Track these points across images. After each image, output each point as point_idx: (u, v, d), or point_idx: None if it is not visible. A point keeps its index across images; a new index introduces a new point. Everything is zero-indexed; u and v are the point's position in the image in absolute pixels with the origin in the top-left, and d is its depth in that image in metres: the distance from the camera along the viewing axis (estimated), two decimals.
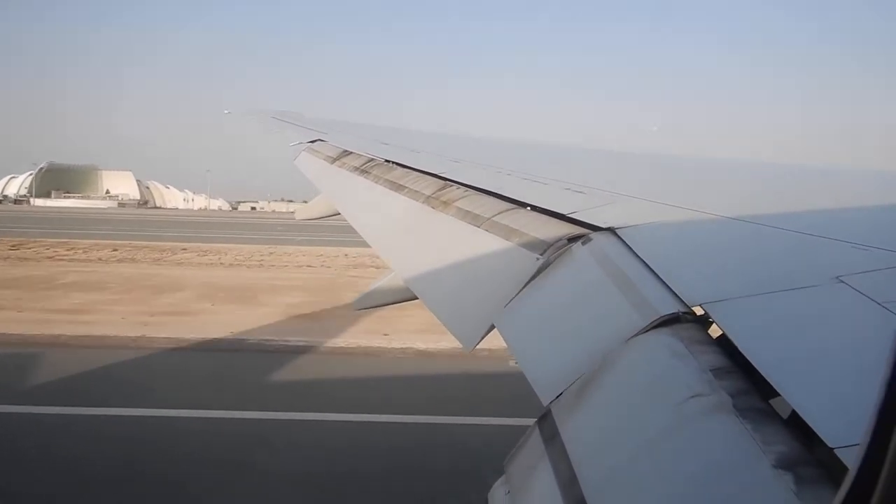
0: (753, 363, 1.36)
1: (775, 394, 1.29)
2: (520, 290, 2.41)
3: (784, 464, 1.10)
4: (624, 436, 1.48)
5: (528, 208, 3.12)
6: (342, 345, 16.53)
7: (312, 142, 7.72)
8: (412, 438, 10.72)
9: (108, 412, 11.18)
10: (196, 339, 16.46)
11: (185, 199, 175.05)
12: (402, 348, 16.29)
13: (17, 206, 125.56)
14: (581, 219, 2.66)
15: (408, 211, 4.17)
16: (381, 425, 11.13)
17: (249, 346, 16.16)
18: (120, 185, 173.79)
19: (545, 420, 1.70)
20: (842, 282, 1.63)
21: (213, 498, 8.50)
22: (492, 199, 3.48)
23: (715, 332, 1.62)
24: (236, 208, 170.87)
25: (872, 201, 3.05)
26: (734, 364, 1.43)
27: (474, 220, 3.32)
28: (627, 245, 2.25)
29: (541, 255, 2.53)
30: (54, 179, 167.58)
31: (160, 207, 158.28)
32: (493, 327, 2.37)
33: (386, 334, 17.31)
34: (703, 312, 1.69)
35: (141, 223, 65.61)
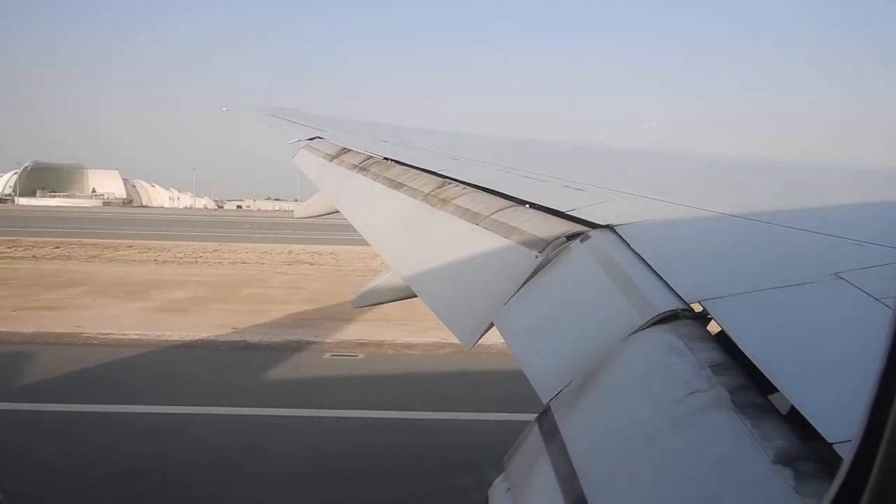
0: (752, 359, 1.37)
1: (774, 389, 1.30)
2: (519, 288, 2.41)
3: (783, 459, 1.11)
4: (623, 432, 1.49)
5: (527, 206, 3.13)
6: (138, 337, 16.99)
7: (311, 139, 7.71)
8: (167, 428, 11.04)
9: None
10: (30, 332, 16.89)
11: (170, 198, 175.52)
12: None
13: None
14: (580, 216, 2.67)
15: (407, 209, 4.17)
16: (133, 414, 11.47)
17: (66, 339, 16.63)
18: (106, 184, 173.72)
19: (545, 417, 1.71)
20: (840, 278, 1.64)
21: None
22: (490, 196, 3.49)
23: (714, 328, 1.63)
24: (222, 207, 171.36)
25: (870, 198, 3.05)
26: (733, 360, 1.43)
27: (473, 217, 3.32)
28: (626, 242, 2.25)
29: (540, 252, 2.53)
30: (40, 178, 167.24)
31: (145, 206, 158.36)
32: (492, 325, 2.37)
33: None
34: (701, 309, 1.70)
35: (112, 221, 65.78)
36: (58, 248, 37.15)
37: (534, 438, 1.69)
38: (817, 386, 1.28)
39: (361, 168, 5.71)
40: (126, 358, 14.98)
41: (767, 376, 1.30)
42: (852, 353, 1.37)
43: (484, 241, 3.01)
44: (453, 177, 4.14)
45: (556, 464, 1.51)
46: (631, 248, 2.19)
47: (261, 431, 10.74)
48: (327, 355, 15.66)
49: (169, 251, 37.67)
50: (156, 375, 13.84)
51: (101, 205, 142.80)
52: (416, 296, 3.47)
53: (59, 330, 17.11)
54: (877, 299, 1.50)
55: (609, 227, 2.43)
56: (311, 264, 34.38)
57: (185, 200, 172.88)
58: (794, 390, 1.25)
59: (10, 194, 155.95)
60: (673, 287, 1.80)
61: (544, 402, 1.75)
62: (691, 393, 1.36)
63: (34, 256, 33.44)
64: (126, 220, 70.61)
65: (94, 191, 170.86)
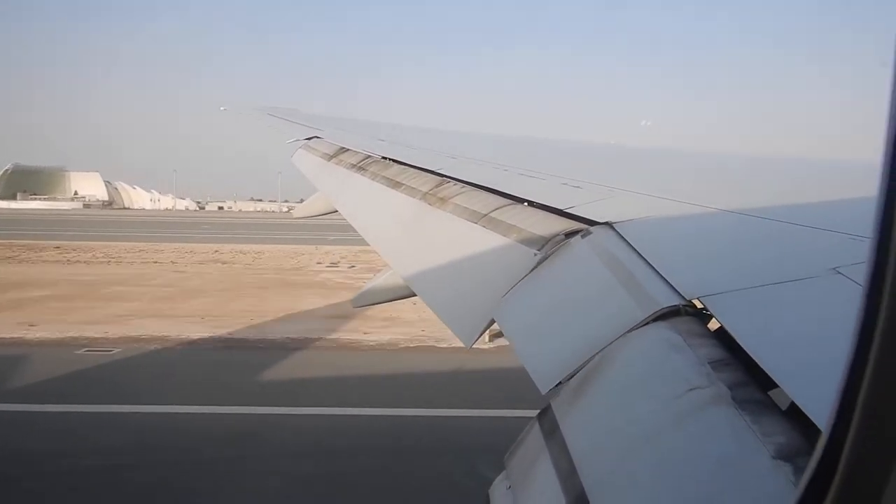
0: (752, 355, 1.37)
1: (774, 385, 1.30)
2: (518, 283, 2.42)
3: (783, 454, 1.11)
4: (623, 429, 1.49)
5: (525, 204, 3.13)
6: None
7: (309, 139, 7.71)
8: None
9: None
10: None
11: (151, 200, 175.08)
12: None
13: None
14: (578, 213, 2.67)
15: (405, 208, 4.17)
16: None
17: None
18: (88, 186, 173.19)
19: (545, 415, 1.71)
20: (839, 273, 1.64)
21: None
22: (489, 194, 3.49)
23: (713, 324, 1.63)
24: (203, 208, 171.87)
25: (868, 193, 3.05)
26: (732, 356, 1.43)
27: (471, 216, 3.32)
28: (625, 239, 2.25)
29: (539, 250, 2.53)
30: (20, 181, 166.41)
31: (126, 208, 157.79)
32: (492, 322, 2.37)
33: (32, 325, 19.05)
34: (700, 305, 1.70)
35: (75, 223, 66.08)
36: None
37: (534, 436, 1.69)
38: (817, 381, 1.28)
39: (360, 167, 5.71)
40: None
41: (767, 372, 1.30)
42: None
43: (483, 240, 3.01)
44: (452, 175, 4.14)
45: (556, 461, 1.52)
46: (630, 244, 2.19)
47: None
48: (82, 350, 16.50)
49: (93, 252, 38.29)
50: None
51: (81, 207, 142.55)
52: (414, 295, 3.47)
53: None
54: None
55: (608, 225, 2.43)
56: (224, 263, 35.32)
57: (166, 202, 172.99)
58: (794, 386, 1.25)
59: None
60: (672, 283, 1.80)
61: (543, 393, 1.76)
62: (691, 389, 1.36)
63: None
64: (94, 222, 71.23)
65: (76, 193, 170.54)
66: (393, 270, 4.46)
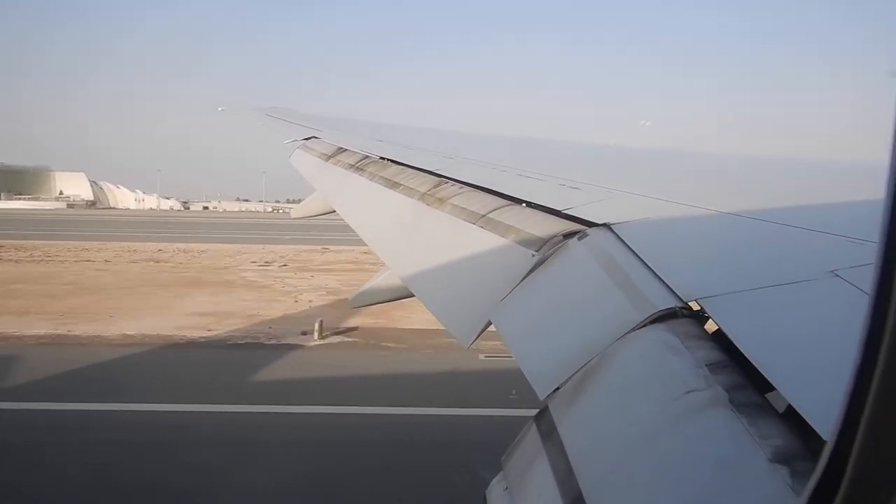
0: (749, 357, 1.37)
1: (771, 388, 1.30)
2: (516, 286, 2.41)
3: (780, 458, 1.11)
4: (620, 431, 1.49)
5: (524, 205, 3.13)
6: None
7: (307, 139, 7.71)
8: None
9: None
10: None
11: (136, 200, 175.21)
12: None
13: None
14: (576, 215, 2.67)
15: (403, 208, 4.17)
16: None
17: None
18: (73, 186, 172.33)
19: (542, 416, 1.71)
20: (836, 276, 1.64)
21: None
22: (487, 195, 3.49)
23: (711, 326, 1.63)
24: (188, 208, 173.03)
25: (866, 195, 3.05)
26: (730, 358, 1.43)
27: (469, 216, 3.32)
28: (623, 241, 2.25)
29: (536, 251, 2.53)
30: (4, 181, 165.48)
31: (110, 208, 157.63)
32: (489, 324, 2.37)
33: None
34: (698, 307, 1.70)
35: (43, 223, 65.59)
36: None
37: (531, 437, 1.69)
38: (814, 384, 1.28)
39: (357, 168, 5.71)
40: None
41: (764, 375, 1.30)
42: (849, 351, 1.36)
43: (480, 241, 3.01)
44: (449, 176, 4.14)
45: (553, 463, 1.51)
46: (628, 246, 2.19)
47: None
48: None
49: (33, 251, 38.59)
50: None
51: (64, 207, 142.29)
52: (413, 295, 3.47)
53: None
54: None
55: (606, 226, 2.43)
56: (156, 262, 35.84)
57: (151, 202, 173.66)
58: (792, 389, 1.25)
59: None
60: (670, 285, 1.80)
61: (542, 399, 1.75)
62: (688, 391, 1.36)
63: None
64: (65, 221, 70.73)
65: (61, 193, 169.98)
66: (391, 271, 4.45)
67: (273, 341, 18.16)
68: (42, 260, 35.19)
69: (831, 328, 1.52)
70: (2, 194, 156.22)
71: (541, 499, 1.51)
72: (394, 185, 4.64)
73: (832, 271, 1.66)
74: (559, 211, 2.79)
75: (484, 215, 3.20)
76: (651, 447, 1.35)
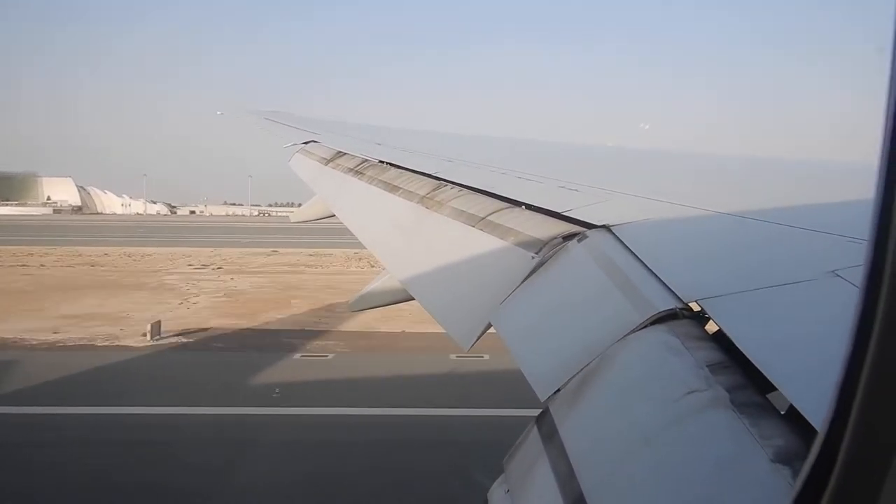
0: (750, 358, 1.36)
1: (772, 388, 1.29)
2: (515, 289, 2.41)
3: (782, 457, 1.10)
4: (621, 433, 1.48)
5: (523, 207, 3.13)
6: None
7: (306, 143, 7.71)
8: None
9: None
10: None
11: (122, 205, 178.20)
12: None
13: None
14: (576, 217, 2.67)
15: (402, 212, 4.16)
16: None
17: None
18: (61, 191, 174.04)
19: (543, 418, 1.70)
20: (837, 276, 1.64)
21: None
22: (486, 198, 3.48)
23: (711, 327, 1.63)
24: (175, 212, 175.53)
25: (866, 195, 3.05)
26: (731, 359, 1.43)
27: (469, 219, 3.32)
28: (623, 242, 2.25)
29: (536, 253, 2.53)
30: None
31: (98, 213, 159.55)
32: (489, 326, 2.37)
33: None
34: (699, 308, 1.69)
35: (16, 228, 66.50)
36: None
37: (533, 440, 1.69)
38: (815, 384, 1.27)
39: (357, 172, 5.71)
40: None
41: (765, 375, 1.30)
42: None
43: (480, 243, 3.00)
44: (449, 179, 4.14)
45: (555, 465, 1.51)
46: (627, 247, 2.19)
47: None
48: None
49: None
50: None
51: (50, 213, 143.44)
52: (412, 298, 3.47)
53: None
54: None
55: (605, 228, 2.43)
56: (92, 266, 36.67)
57: (137, 206, 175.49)
58: (793, 389, 1.25)
59: None
60: (670, 286, 1.79)
61: (542, 401, 1.75)
62: (689, 392, 1.36)
63: None
64: (40, 227, 71.80)
65: (48, 198, 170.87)
66: (390, 274, 4.45)
67: (107, 342, 18.82)
68: None
69: (832, 328, 1.52)
70: None
71: (542, 501, 1.51)
72: (393, 188, 4.64)
73: (832, 271, 1.66)
74: (559, 213, 2.78)
75: (483, 218, 3.20)
76: (652, 448, 1.35)
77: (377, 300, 5.18)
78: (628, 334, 1.69)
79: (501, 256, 2.75)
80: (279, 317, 21.65)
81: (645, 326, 1.68)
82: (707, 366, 1.42)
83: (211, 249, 45.68)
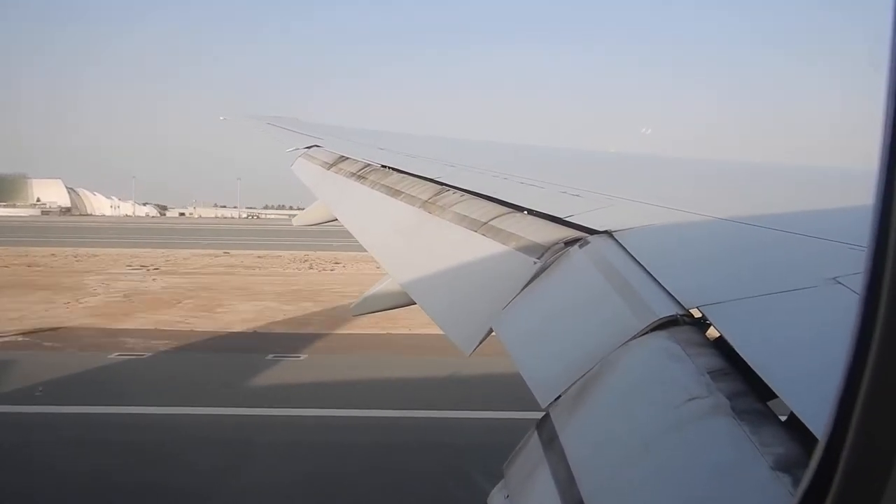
0: (751, 365, 1.36)
1: (773, 395, 1.29)
2: (517, 294, 2.41)
3: (782, 465, 1.10)
4: (622, 439, 1.48)
5: (525, 212, 3.13)
6: None
7: (309, 147, 7.73)
8: None
9: None
10: None
11: (111, 206, 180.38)
12: None
13: None
14: (578, 222, 2.67)
15: (404, 216, 4.17)
16: None
17: None
18: (50, 192, 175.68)
19: (544, 424, 1.70)
20: (838, 283, 1.64)
21: None
22: (488, 203, 3.49)
23: (712, 334, 1.63)
24: (164, 214, 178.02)
25: (868, 201, 3.05)
26: (732, 366, 1.43)
27: (471, 224, 3.32)
28: (624, 248, 2.25)
29: (538, 258, 2.53)
30: None
31: (86, 214, 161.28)
32: (491, 331, 2.37)
33: None
34: (700, 315, 1.69)
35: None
36: None
37: (533, 445, 1.69)
38: (816, 392, 1.27)
39: (359, 176, 5.71)
40: None
41: (766, 382, 1.30)
42: None
43: (482, 248, 3.00)
44: (451, 184, 4.15)
45: (555, 471, 1.51)
46: (629, 253, 2.19)
47: None
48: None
49: None
50: None
51: (39, 214, 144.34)
52: (414, 303, 3.47)
53: None
54: None
55: (607, 233, 2.43)
56: (29, 266, 36.15)
57: (126, 208, 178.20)
58: (794, 396, 1.25)
59: None
60: (671, 292, 1.79)
61: (543, 407, 1.75)
62: (690, 399, 1.36)
63: None
64: (15, 228, 70.35)
65: (38, 200, 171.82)
66: (392, 279, 4.45)
67: None
68: None
69: (833, 335, 1.52)
70: None
71: None
72: (395, 192, 4.64)
73: (834, 278, 1.66)
74: (560, 218, 2.79)
75: (485, 223, 3.20)
76: (653, 455, 1.34)
77: (378, 304, 5.18)
78: (629, 340, 1.69)
79: (503, 261, 2.75)
80: (150, 317, 21.55)
81: (646, 333, 1.68)
82: (708, 372, 1.42)
83: (166, 250, 45.24)
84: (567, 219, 2.75)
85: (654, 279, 1.92)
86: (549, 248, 2.56)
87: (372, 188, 5.16)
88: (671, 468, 1.30)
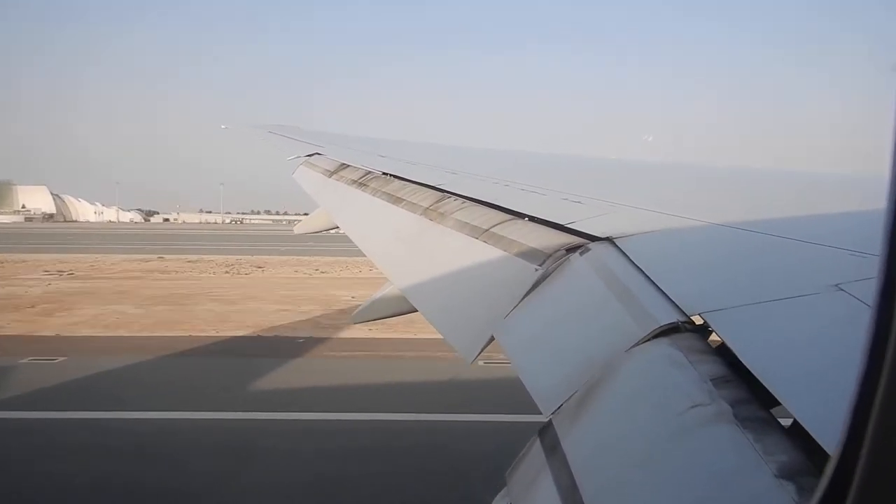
0: (753, 372, 1.36)
1: (776, 403, 1.29)
2: (519, 301, 2.41)
3: (785, 473, 1.10)
4: (625, 447, 1.48)
5: (526, 219, 3.13)
6: None
7: (310, 155, 7.74)
8: None
9: None
10: None
11: (95, 212, 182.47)
12: None
13: None
14: (579, 229, 2.67)
15: (406, 223, 4.17)
16: None
17: None
18: (36, 199, 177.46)
19: (546, 431, 1.70)
20: (841, 289, 1.63)
21: None
22: (489, 210, 3.49)
23: (715, 341, 1.62)
24: (149, 220, 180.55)
25: (871, 207, 3.05)
26: (734, 373, 1.43)
27: (472, 231, 3.32)
28: (626, 255, 2.25)
29: (540, 265, 2.53)
30: None
31: (71, 220, 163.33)
32: (492, 339, 2.36)
33: None
34: (702, 322, 1.69)
35: None
36: None
37: (535, 453, 1.68)
38: (820, 399, 1.27)
39: (360, 183, 5.72)
40: None
41: (769, 389, 1.29)
42: (855, 365, 1.35)
43: (483, 255, 3.00)
44: (452, 191, 4.15)
45: (557, 478, 1.50)
46: (631, 260, 2.19)
47: None
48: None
49: None
50: None
51: (22, 220, 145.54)
52: (416, 310, 3.46)
53: None
54: None
55: (609, 240, 2.43)
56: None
57: (110, 214, 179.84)
58: (797, 403, 1.24)
59: None
60: (673, 299, 1.79)
61: (545, 415, 1.74)
62: (692, 406, 1.35)
63: None
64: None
65: (23, 206, 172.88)
66: (393, 286, 4.45)
67: None
68: None
69: (836, 342, 1.51)
70: None
71: None
72: (396, 200, 4.65)
73: (836, 285, 1.66)
74: (562, 225, 2.79)
75: (487, 230, 3.20)
76: (655, 462, 1.34)
77: (380, 312, 5.17)
78: (631, 347, 1.69)
79: (505, 268, 2.75)
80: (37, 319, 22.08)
81: (648, 340, 1.68)
82: (710, 379, 1.41)
83: (101, 256, 45.40)
84: (568, 225, 2.74)
85: (656, 286, 1.91)
86: (550, 254, 2.55)
87: (373, 195, 5.17)
88: (674, 476, 1.29)
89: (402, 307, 4.42)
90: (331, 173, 6.64)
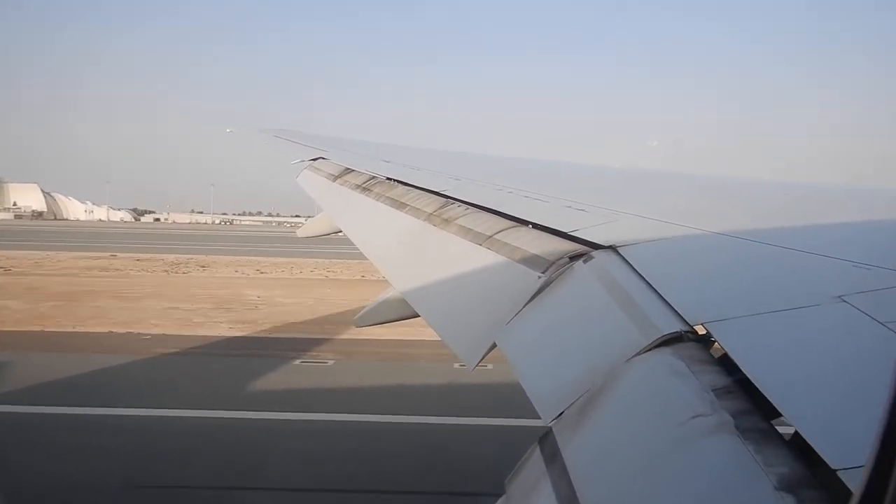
0: (755, 383, 1.36)
1: (777, 414, 1.28)
2: (521, 308, 2.41)
3: (786, 485, 1.09)
4: (625, 456, 1.47)
5: (530, 226, 3.13)
6: None
7: (314, 159, 7.76)
8: None
9: None
10: None
11: (85, 211, 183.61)
12: None
13: None
14: (582, 237, 2.67)
15: (409, 229, 4.18)
16: None
17: None
18: (27, 197, 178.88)
19: (546, 439, 1.69)
20: (843, 301, 1.63)
21: None
22: (493, 216, 3.49)
23: (717, 350, 1.62)
24: (139, 219, 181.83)
25: (874, 219, 3.05)
26: (736, 383, 1.42)
27: (476, 237, 3.33)
28: (629, 263, 2.25)
29: (542, 273, 2.53)
30: None
31: (59, 219, 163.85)
32: (494, 345, 2.36)
33: None
34: (704, 331, 1.69)
35: None
36: None
37: (535, 461, 1.68)
38: (821, 411, 1.27)
39: (364, 188, 5.73)
40: None
41: (770, 400, 1.29)
42: (857, 377, 1.35)
43: (486, 262, 3.00)
44: (456, 197, 4.15)
45: (557, 486, 1.50)
46: (634, 269, 2.19)
47: None
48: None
49: None
50: None
51: (12, 218, 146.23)
52: (417, 315, 3.47)
53: None
54: (881, 323, 1.49)
55: (612, 248, 2.43)
56: None
57: (100, 213, 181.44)
58: (798, 415, 1.24)
59: None
60: (676, 309, 1.79)
61: (546, 423, 1.74)
62: (694, 417, 1.35)
63: None
64: None
65: (14, 204, 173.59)
66: (396, 291, 4.45)
67: None
68: None
69: (838, 354, 1.51)
70: None
71: None
72: (400, 205, 4.65)
73: (839, 296, 1.65)
74: (565, 233, 2.79)
75: (490, 236, 3.20)
76: (656, 472, 1.34)
77: (382, 316, 5.17)
78: (634, 356, 1.69)
79: (508, 275, 2.75)
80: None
81: (650, 349, 1.67)
82: (712, 390, 1.41)
83: (53, 253, 44.73)
84: (572, 233, 2.75)
85: (659, 295, 1.91)
86: (553, 262, 2.55)
87: (377, 200, 5.17)
88: (674, 486, 1.29)
89: (404, 312, 4.42)
90: (335, 177, 6.65)
